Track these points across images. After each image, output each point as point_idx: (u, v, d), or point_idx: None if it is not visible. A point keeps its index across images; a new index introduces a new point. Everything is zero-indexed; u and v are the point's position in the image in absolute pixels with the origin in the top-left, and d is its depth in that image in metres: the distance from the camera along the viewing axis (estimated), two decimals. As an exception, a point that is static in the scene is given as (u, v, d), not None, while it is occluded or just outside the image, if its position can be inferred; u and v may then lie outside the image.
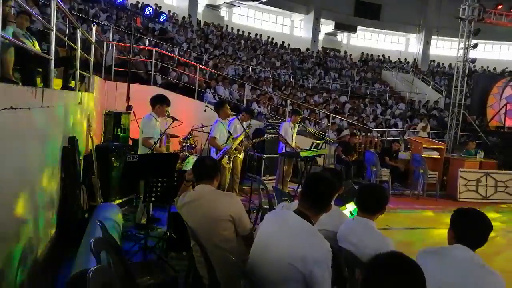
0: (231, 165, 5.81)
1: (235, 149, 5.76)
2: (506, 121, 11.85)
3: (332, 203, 2.25)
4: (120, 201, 5.24)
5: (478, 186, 8.42)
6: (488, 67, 23.20)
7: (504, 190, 8.47)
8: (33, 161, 2.95)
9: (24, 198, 2.76)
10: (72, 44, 4.94)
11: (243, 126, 5.63)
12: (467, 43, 12.41)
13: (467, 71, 12.73)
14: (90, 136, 4.88)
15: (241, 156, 6.20)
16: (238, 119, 5.83)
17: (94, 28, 6.58)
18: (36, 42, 4.60)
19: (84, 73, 5.62)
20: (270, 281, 2.03)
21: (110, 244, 2.15)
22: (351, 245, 2.47)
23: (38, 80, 4.57)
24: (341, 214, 2.93)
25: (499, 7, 13.31)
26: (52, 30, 3.59)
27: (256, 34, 21.23)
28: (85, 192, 4.45)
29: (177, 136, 7.19)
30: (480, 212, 2.09)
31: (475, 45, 12.47)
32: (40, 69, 4.43)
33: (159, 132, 4.76)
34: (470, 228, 2.04)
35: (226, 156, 5.59)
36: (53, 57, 3.65)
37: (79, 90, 4.88)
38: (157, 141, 4.61)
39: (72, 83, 4.90)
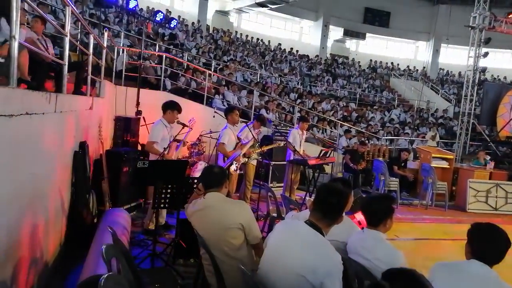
0: (238, 172, 5.80)
1: (244, 155, 5.76)
2: (516, 132, 11.74)
3: (343, 214, 2.24)
4: (128, 206, 5.25)
5: (488, 197, 8.31)
6: (498, 76, 23.03)
7: (515, 201, 8.36)
8: (45, 166, 2.98)
9: (36, 202, 2.78)
10: (85, 49, 4.99)
11: (252, 134, 5.63)
12: (477, 51, 12.33)
13: (477, 80, 12.63)
14: (101, 141, 4.91)
15: (254, 163, 6.18)
16: (248, 127, 5.83)
17: (106, 33, 6.66)
18: (50, 47, 4.66)
19: (95, 78, 5.67)
20: (280, 291, 2.02)
21: (121, 251, 2.15)
22: (361, 257, 2.45)
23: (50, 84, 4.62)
24: (352, 224, 2.91)
25: (510, 15, 13.20)
26: (67, 36, 3.64)
27: (262, 40, 21.30)
28: (95, 197, 4.47)
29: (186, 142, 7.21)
30: (497, 227, 2.05)
31: (486, 54, 12.38)
32: (52, 74, 4.49)
33: (168, 138, 4.77)
34: (487, 244, 2.01)
35: (234, 162, 5.58)
36: (66, 63, 3.69)
37: (90, 95, 4.92)
38: (167, 147, 4.61)
39: (84, 88, 4.95)
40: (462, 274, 1.98)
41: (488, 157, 9.61)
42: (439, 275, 2.07)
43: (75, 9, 3.94)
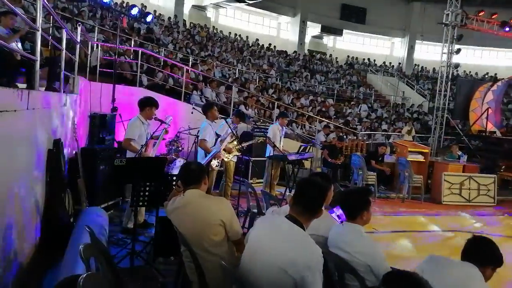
0: (218, 168, 5.78)
1: (224, 150, 5.76)
2: (487, 125, 12.13)
3: (323, 208, 2.25)
4: (106, 204, 5.15)
5: (462, 189, 8.57)
6: (470, 71, 23.73)
7: (486, 193, 8.64)
8: (18, 165, 2.88)
9: (8, 202, 2.69)
10: (57, 44, 4.85)
11: (231, 129, 5.61)
12: (450, 48, 12.65)
13: (450, 76, 12.97)
14: (75, 139, 4.79)
15: (234, 160, 6.16)
16: (227, 122, 5.81)
17: (79, 28, 6.48)
18: (19, 43, 4.50)
19: (69, 74, 5.51)
20: (261, 286, 2.02)
21: (100, 250, 2.11)
22: (341, 251, 2.48)
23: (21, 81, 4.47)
24: (330, 218, 2.94)
25: (481, 13, 13.61)
26: (38, 30, 3.52)
27: (240, 35, 21.22)
28: (71, 196, 4.36)
29: (164, 139, 7.12)
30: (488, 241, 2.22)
31: (458, 50, 12.71)
32: (23, 70, 4.34)
33: (145, 135, 4.68)
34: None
35: (215, 158, 5.56)
36: (38, 58, 3.57)
37: (63, 92, 4.78)
38: (144, 145, 4.53)
39: (57, 85, 4.80)
40: (449, 269, 2.07)
41: (459, 152, 9.87)
42: (429, 267, 2.21)
43: (46, 3, 3.82)
